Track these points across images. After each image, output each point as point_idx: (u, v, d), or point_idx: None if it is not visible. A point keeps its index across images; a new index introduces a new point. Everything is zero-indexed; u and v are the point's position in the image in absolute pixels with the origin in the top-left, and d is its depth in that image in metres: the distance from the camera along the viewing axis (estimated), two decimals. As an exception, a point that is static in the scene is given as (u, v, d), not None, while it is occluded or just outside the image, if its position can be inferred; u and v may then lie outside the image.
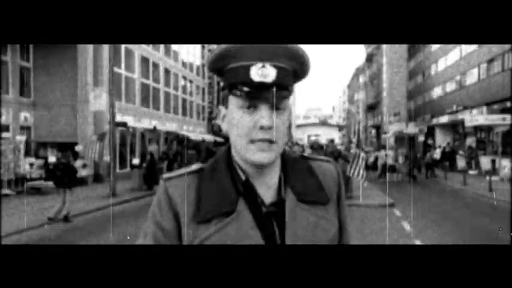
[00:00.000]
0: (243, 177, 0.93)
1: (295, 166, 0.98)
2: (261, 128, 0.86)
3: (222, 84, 0.93)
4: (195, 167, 0.98)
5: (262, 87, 0.85)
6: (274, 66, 0.85)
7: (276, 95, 0.86)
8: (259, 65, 0.84)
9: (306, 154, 1.06)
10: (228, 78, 0.89)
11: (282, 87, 0.86)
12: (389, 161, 20.56)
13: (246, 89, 0.85)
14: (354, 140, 18.26)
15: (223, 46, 0.88)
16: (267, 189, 0.93)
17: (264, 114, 0.86)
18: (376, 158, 21.81)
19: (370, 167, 21.54)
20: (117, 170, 14.96)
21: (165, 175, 0.96)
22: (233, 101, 0.89)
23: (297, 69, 0.91)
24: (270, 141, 0.87)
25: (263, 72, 0.84)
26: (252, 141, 0.88)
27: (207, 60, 0.92)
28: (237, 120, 0.88)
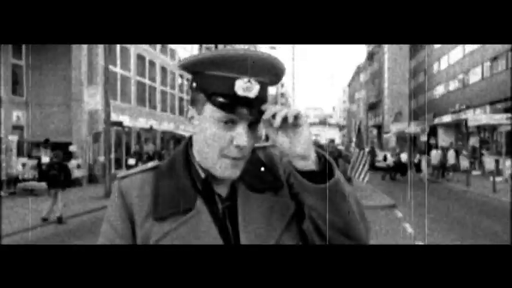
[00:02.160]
0: (203, 175, 0.94)
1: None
2: (237, 146, 0.87)
3: (194, 84, 0.93)
4: (150, 164, 0.99)
5: (243, 101, 0.86)
6: (259, 82, 0.87)
7: (256, 110, 0.87)
8: (245, 79, 0.85)
9: None
10: (208, 85, 0.89)
11: (263, 102, 0.88)
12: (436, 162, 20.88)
13: (225, 100, 0.86)
14: (354, 139, 18.22)
15: (207, 52, 0.88)
16: (223, 185, 0.96)
17: (241, 132, 0.87)
18: (420, 160, 21.91)
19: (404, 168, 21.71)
20: (113, 171, 14.94)
21: (120, 174, 0.98)
22: (209, 110, 0.89)
23: (272, 81, 0.93)
24: (241, 158, 0.90)
25: (248, 87, 0.85)
26: (224, 157, 0.89)
27: (185, 60, 0.91)
28: (212, 132, 0.89)
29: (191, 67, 0.91)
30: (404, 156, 22.08)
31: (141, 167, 0.99)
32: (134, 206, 0.92)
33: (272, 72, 0.90)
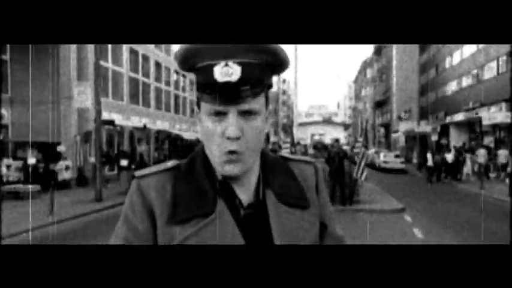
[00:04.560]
0: (220, 177, 0.95)
1: (275, 167, 1.01)
2: (228, 138, 0.88)
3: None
4: (170, 164, 1.00)
5: (228, 87, 0.86)
6: (239, 63, 0.86)
7: (244, 93, 0.87)
8: (222, 63, 0.86)
9: (285, 154, 1.09)
10: (197, 79, 0.91)
11: (251, 84, 0.87)
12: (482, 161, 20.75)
13: (208, 91, 0.87)
14: (360, 139, 17.76)
15: (190, 45, 0.90)
16: (245, 190, 0.96)
17: (231, 123, 0.88)
18: (464, 159, 21.74)
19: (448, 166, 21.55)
20: (104, 172, 14.99)
21: (138, 173, 0.98)
22: (203, 105, 0.91)
23: (270, 62, 0.91)
24: (238, 152, 0.89)
25: (227, 71, 0.86)
26: (221, 151, 0.89)
27: (176, 54, 0.94)
28: (206, 127, 0.91)
29: (183, 64, 0.93)
30: (450, 156, 21.76)
31: (160, 166, 1.00)
32: (155, 208, 0.92)
33: (253, 49, 0.88)
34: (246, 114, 0.89)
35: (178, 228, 0.90)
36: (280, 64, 0.95)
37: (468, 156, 21.63)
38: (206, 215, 0.91)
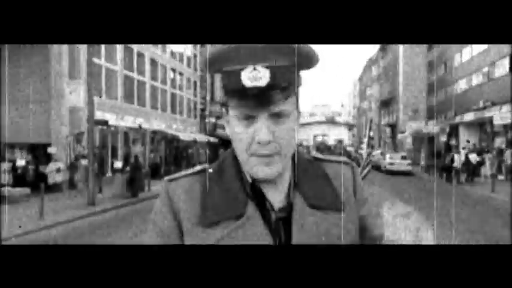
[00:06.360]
0: (250, 179, 0.97)
1: (307, 169, 1.03)
2: (258, 142, 0.90)
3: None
4: (199, 167, 1.03)
5: (257, 92, 0.87)
6: (267, 67, 0.87)
7: (274, 98, 0.88)
8: (250, 67, 0.87)
9: (319, 155, 1.11)
10: (224, 83, 0.92)
11: (280, 88, 0.88)
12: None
13: (237, 96, 0.89)
14: (365, 140, 17.45)
15: (217, 47, 0.93)
16: (276, 193, 0.98)
17: (261, 127, 0.89)
18: (483, 160, 21.57)
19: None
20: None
21: (168, 176, 1.03)
22: (231, 108, 0.94)
23: (301, 61, 0.92)
24: (270, 155, 0.91)
25: (255, 76, 0.86)
26: (252, 155, 0.92)
27: (207, 57, 0.98)
28: (236, 132, 0.93)
29: (211, 67, 0.96)
30: (474, 156, 21.52)
31: (189, 169, 1.04)
32: (182, 211, 0.96)
33: (282, 51, 0.89)
34: (276, 116, 0.91)
35: (208, 231, 0.93)
36: (310, 63, 0.97)
37: (487, 157, 21.50)
38: (236, 217, 0.93)
